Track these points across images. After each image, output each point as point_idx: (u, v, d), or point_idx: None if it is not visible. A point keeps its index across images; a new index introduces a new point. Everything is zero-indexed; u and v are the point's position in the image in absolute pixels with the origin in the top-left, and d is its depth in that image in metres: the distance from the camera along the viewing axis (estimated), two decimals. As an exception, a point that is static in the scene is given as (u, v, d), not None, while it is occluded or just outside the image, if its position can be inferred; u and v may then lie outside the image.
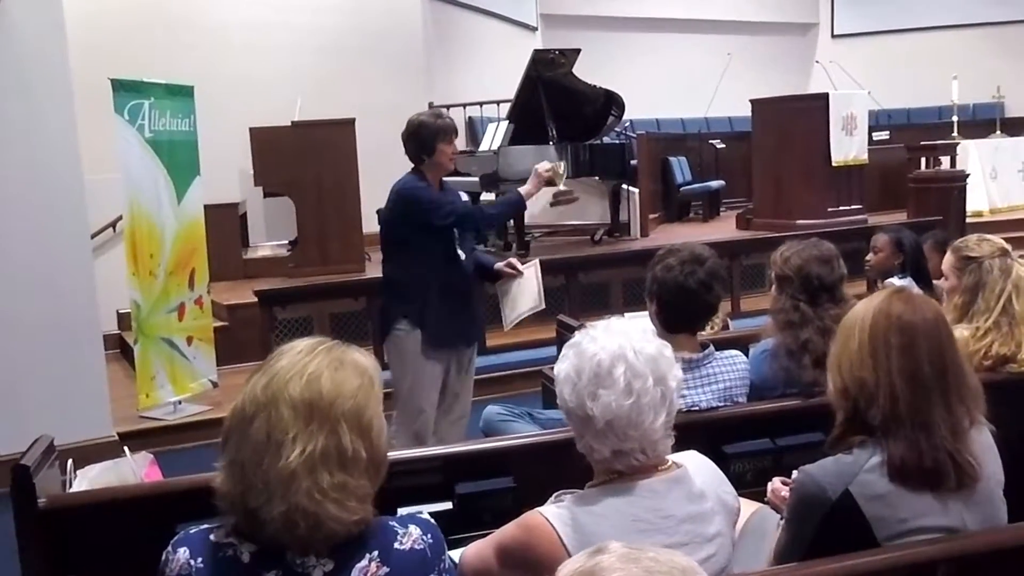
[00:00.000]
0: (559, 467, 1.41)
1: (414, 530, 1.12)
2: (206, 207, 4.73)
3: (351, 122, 5.95)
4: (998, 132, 8.68)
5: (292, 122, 6.08)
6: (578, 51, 6.38)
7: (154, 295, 4.21)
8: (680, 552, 1.20)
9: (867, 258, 3.51)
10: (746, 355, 2.17)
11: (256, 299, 4.87)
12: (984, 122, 9.26)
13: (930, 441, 1.34)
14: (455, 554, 1.33)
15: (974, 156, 7.58)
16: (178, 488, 1.74)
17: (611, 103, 6.53)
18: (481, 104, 7.46)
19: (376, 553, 1.07)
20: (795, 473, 1.44)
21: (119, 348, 5.40)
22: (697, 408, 2.00)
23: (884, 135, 8.79)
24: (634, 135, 7.56)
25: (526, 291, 3.10)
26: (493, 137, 6.16)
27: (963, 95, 8.35)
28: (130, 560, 1.49)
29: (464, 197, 3.19)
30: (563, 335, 3.02)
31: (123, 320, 5.26)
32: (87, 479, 1.90)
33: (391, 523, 1.12)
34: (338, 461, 1.04)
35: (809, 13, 11.94)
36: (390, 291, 3.05)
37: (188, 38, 6.66)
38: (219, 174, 5.72)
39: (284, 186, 6.16)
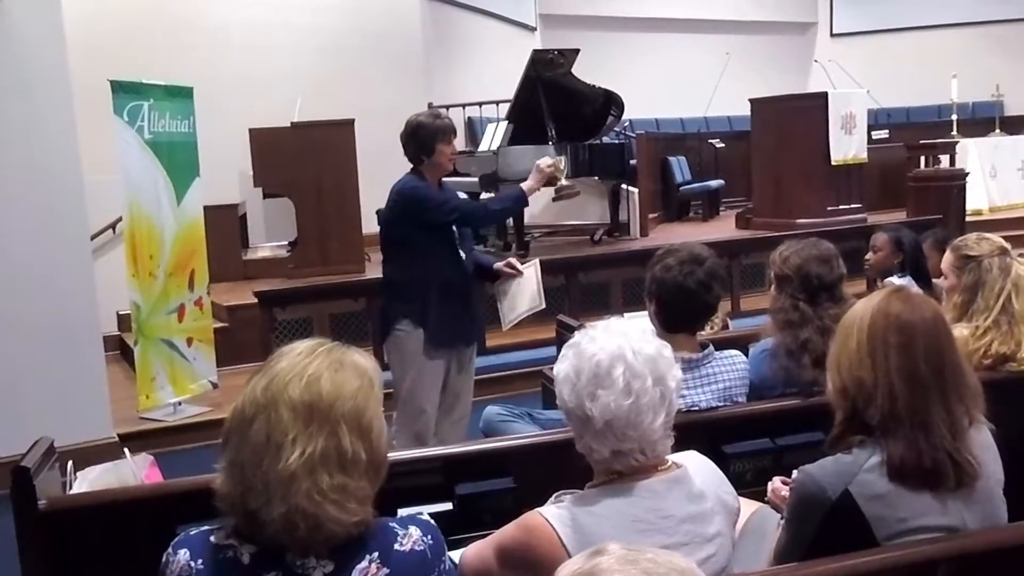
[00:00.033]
0: (559, 468, 1.41)
1: (414, 531, 1.12)
2: (206, 208, 4.74)
3: (350, 123, 5.95)
4: (997, 131, 8.68)
5: (291, 123, 6.08)
6: (577, 51, 6.39)
7: (154, 296, 4.21)
8: (680, 552, 1.20)
9: (866, 257, 3.51)
10: (745, 355, 2.17)
11: (256, 300, 4.87)
12: (983, 121, 9.26)
13: (929, 440, 1.34)
14: (455, 555, 1.33)
15: (973, 155, 7.58)
16: (178, 490, 1.74)
17: (610, 103, 6.53)
18: (480, 104, 7.47)
19: (376, 554, 1.08)
20: (795, 473, 1.44)
21: (119, 349, 5.40)
22: (697, 408, 2.00)
23: (883, 134, 8.79)
24: (633, 135, 7.56)
25: (525, 291, 3.10)
26: (492, 137, 6.16)
27: (962, 94, 8.35)
28: (130, 562, 1.49)
29: (463, 196, 3.20)
30: (563, 335, 3.02)
31: (123, 321, 5.26)
32: (87, 481, 1.90)
33: (391, 524, 1.12)
34: (338, 463, 1.05)
35: (808, 12, 11.94)
36: (390, 292, 3.05)
37: (187, 39, 6.66)
38: (219, 175, 5.72)
39: (284, 187, 6.17)
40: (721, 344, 2.14)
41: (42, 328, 3.69)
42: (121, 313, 5.23)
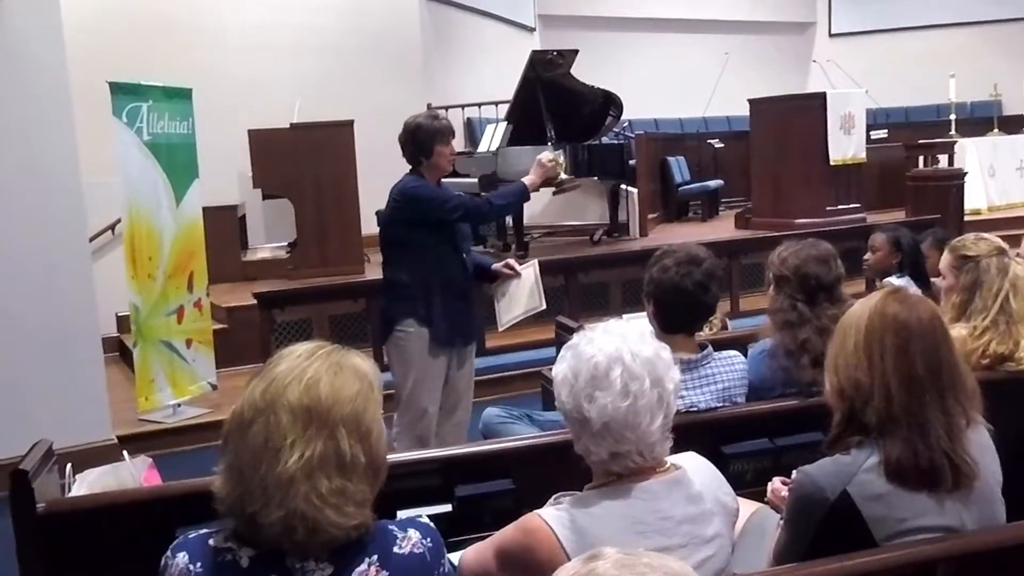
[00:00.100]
0: (558, 469, 1.41)
1: (413, 534, 1.12)
2: (205, 209, 4.74)
3: (349, 124, 5.95)
4: (996, 130, 8.68)
5: (291, 124, 6.08)
6: (576, 52, 6.39)
7: (153, 298, 4.21)
8: (679, 553, 1.20)
9: (865, 257, 3.52)
10: (744, 355, 2.17)
11: (255, 301, 4.87)
12: (982, 120, 9.27)
13: (926, 441, 1.34)
14: (454, 557, 1.33)
15: (972, 154, 7.59)
16: (177, 492, 1.74)
17: (609, 103, 6.54)
18: (480, 105, 7.47)
19: (375, 557, 1.08)
20: (794, 473, 1.44)
21: (118, 351, 5.40)
22: (696, 409, 2.00)
23: (882, 134, 8.79)
24: (632, 135, 7.57)
25: (523, 293, 3.10)
26: (492, 138, 6.16)
27: (961, 93, 8.36)
28: (129, 565, 1.50)
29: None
30: (562, 336, 3.03)
31: (122, 323, 5.26)
32: (86, 483, 1.90)
33: (390, 527, 1.12)
34: (337, 466, 1.04)
35: (807, 12, 11.95)
36: (392, 293, 3.04)
37: (186, 41, 6.66)
38: (218, 176, 5.73)
39: (283, 188, 6.17)
40: (720, 345, 2.14)
41: (41, 330, 3.69)
42: (120, 315, 5.23)
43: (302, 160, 5.92)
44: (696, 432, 1.82)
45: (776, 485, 1.68)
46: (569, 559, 1.14)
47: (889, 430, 1.35)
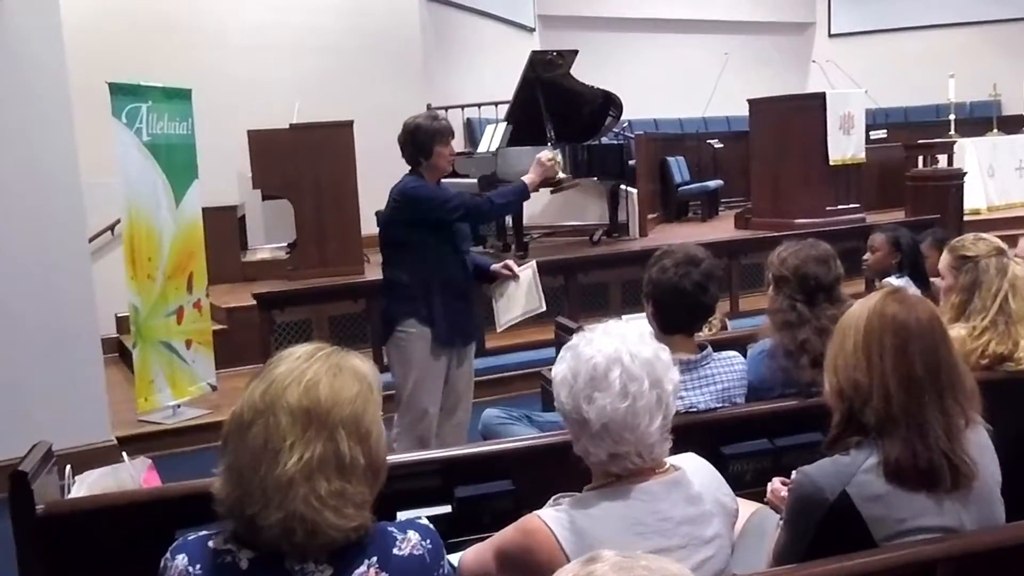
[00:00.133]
0: (558, 470, 1.41)
1: (413, 536, 1.12)
2: (204, 210, 4.74)
3: (349, 124, 5.95)
4: (995, 130, 8.69)
5: (290, 124, 6.08)
6: (576, 52, 6.39)
7: (153, 298, 4.21)
8: (678, 554, 1.20)
9: (864, 257, 3.52)
10: (743, 355, 2.17)
11: (255, 302, 4.87)
12: (981, 120, 9.27)
13: (924, 442, 1.34)
14: (454, 558, 1.33)
15: (971, 154, 7.59)
16: (176, 494, 1.74)
17: (609, 104, 6.54)
18: (479, 105, 7.47)
19: (375, 559, 1.08)
20: (794, 474, 1.44)
21: (118, 352, 5.40)
22: (695, 409, 2.00)
23: (881, 134, 8.79)
24: (632, 135, 7.57)
25: (522, 294, 3.11)
26: (491, 138, 6.16)
27: (960, 93, 8.36)
28: (129, 567, 1.50)
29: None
30: (561, 336, 3.03)
31: (122, 324, 5.26)
32: (85, 485, 1.90)
33: (390, 529, 1.12)
34: (336, 468, 1.04)
35: (806, 12, 11.96)
36: (392, 293, 3.03)
37: (186, 41, 6.66)
38: (217, 177, 5.73)
39: (282, 188, 6.17)
40: (719, 345, 2.15)
41: (40, 330, 3.69)
42: (120, 315, 5.23)
43: (302, 161, 5.92)
44: (696, 433, 1.82)
45: (776, 485, 1.69)
46: (568, 560, 1.14)
47: (888, 430, 1.35)
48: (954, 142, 7.39)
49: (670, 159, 8.49)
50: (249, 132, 6.04)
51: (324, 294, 5.17)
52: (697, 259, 2.02)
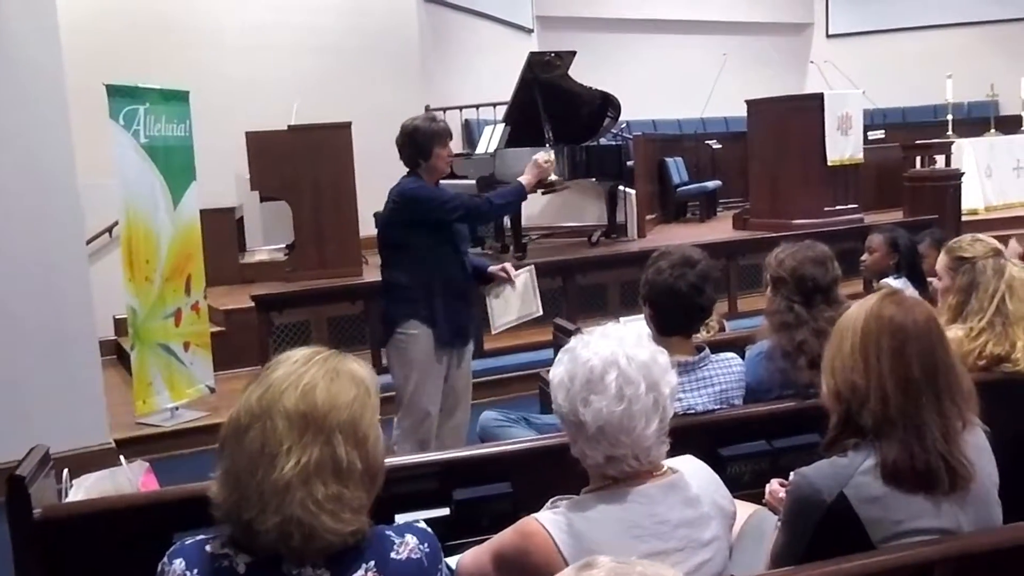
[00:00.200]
0: (556, 473, 1.41)
1: (411, 539, 1.11)
2: (202, 212, 4.73)
3: (347, 125, 5.95)
4: (992, 130, 8.70)
5: (288, 126, 6.08)
6: (574, 53, 6.39)
7: (151, 300, 4.20)
8: (675, 557, 1.21)
9: (862, 258, 3.52)
10: (742, 357, 2.18)
11: (253, 304, 4.87)
12: (979, 120, 9.29)
13: (922, 443, 1.34)
14: (452, 560, 1.33)
15: (969, 154, 7.60)
16: (174, 497, 1.74)
17: (607, 105, 6.54)
18: (477, 107, 7.47)
19: (372, 563, 1.07)
20: (792, 475, 1.44)
21: (116, 354, 5.40)
22: (693, 411, 2.00)
23: (879, 134, 8.81)
24: (630, 136, 7.57)
25: (518, 298, 3.11)
26: (490, 139, 6.16)
27: (958, 94, 8.37)
28: (126, 570, 1.49)
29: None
30: (560, 338, 3.03)
31: (119, 326, 5.25)
32: (83, 488, 1.89)
33: (387, 532, 1.12)
34: (333, 472, 1.04)
35: (804, 13, 11.97)
36: (392, 295, 3.03)
37: (184, 42, 6.66)
38: (215, 179, 5.72)
39: (281, 190, 6.16)
40: (717, 347, 2.15)
41: (38, 332, 3.69)
42: (118, 317, 5.22)
43: (300, 162, 5.91)
44: (693, 434, 1.82)
45: (774, 487, 1.69)
46: (566, 563, 1.14)
47: (885, 432, 1.35)
48: (952, 142, 7.40)
49: (668, 160, 8.50)
50: (247, 133, 6.03)
51: (323, 296, 5.17)
52: (693, 260, 2.02)
